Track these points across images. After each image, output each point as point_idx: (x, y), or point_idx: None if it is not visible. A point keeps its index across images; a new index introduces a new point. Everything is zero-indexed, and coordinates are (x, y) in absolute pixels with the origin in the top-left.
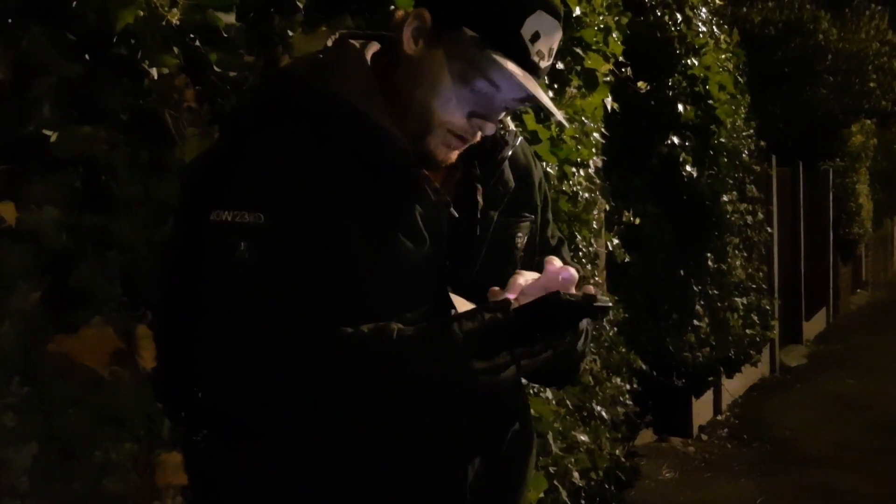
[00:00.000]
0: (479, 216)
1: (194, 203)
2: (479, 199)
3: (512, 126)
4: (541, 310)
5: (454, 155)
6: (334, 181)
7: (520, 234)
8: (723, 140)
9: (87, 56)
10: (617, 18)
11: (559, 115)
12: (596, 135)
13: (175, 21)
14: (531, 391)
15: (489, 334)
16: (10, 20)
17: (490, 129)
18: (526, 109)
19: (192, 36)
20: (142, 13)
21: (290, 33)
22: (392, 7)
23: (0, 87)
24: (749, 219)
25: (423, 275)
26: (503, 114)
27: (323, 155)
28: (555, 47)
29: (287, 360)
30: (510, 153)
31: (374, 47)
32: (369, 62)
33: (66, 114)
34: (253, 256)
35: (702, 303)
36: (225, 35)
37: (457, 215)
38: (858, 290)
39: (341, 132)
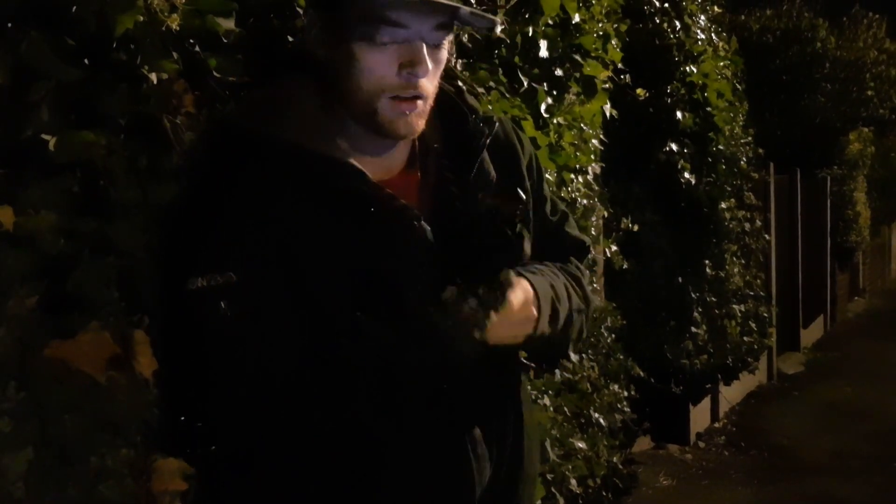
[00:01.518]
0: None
1: (170, 268)
2: (458, 204)
3: (475, 103)
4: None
5: (419, 122)
6: (300, 221)
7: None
8: (721, 147)
9: (86, 61)
10: (616, 26)
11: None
12: (594, 141)
13: (174, 26)
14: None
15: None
16: (9, 24)
17: (423, 69)
18: (457, 29)
19: (191, 41)
20: (141, 18)
21: (290, 38)
22: None
23: None
24: (747, 226)
25: (407, 291)
26: (429, 47)
27: (282, 199)
28: None
29: (284, 387)
30: (488, 142)
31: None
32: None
33: (64, 118)
34: (235, 311)
35: (700, 310)
36: (224, 40)
37: (428, 228)
38: (856, 298)
39: (294, 172)
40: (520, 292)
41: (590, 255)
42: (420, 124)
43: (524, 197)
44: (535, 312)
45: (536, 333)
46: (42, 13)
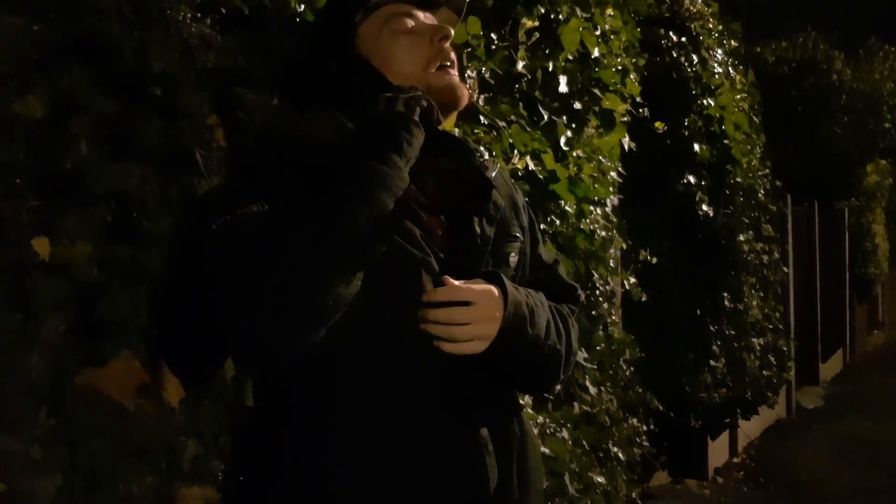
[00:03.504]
0: (477, 230)
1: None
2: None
3: (486, 155)
4: None
5: (460, 84)
6: None
7: (512, 254)
8: (738, 179)
9: (123, 95)
10: (634, 60)
11: None
12: (613, 173)
13: (209, 63)
14: (547, 431)
15: None
16: (50, 59)
17: (450, 31)
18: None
19: (224, 77)
20: (177, 55)
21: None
22: None
23: (39, 124)
24: (765, 258)
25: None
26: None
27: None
28: None
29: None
30: (494, 174)
31: None
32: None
33: (101, 150)
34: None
35: (718, 342)
36: (256, 77)
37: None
38: (875, 331)
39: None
40: (484, 288)
41: (608, 287)
42: (465, 92)
43: (522, 228)
44: (499, 311)
45: (501, 339)
46: (83, 48)
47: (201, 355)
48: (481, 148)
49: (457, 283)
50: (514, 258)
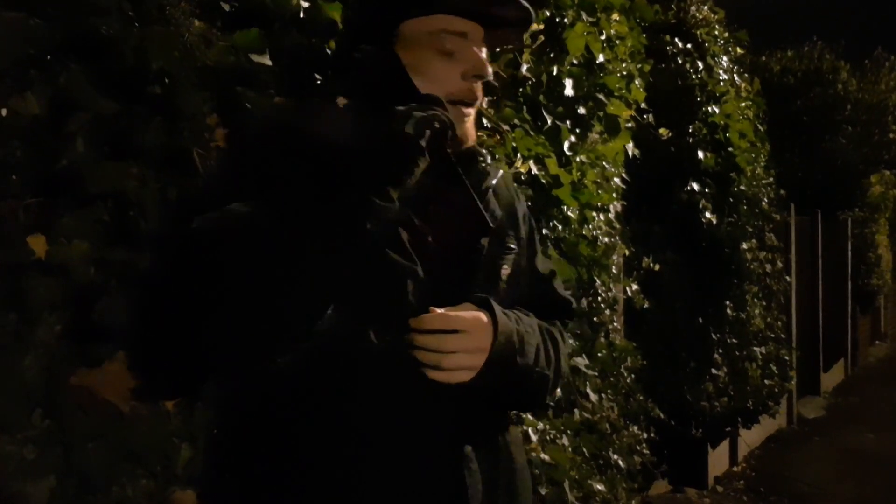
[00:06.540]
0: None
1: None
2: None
3: (489, 159)
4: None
5: (470, 126)
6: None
7: (505, 266)
8: (742, 188)
9: (122, 93)
10: (639, 66)
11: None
12: (616, 180)
13: (209, 62)
14: (548, 438)
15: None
16: (49, 57)
17: (488, 71)
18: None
19: (225, 76)
20: (177, 53)
21: (318, 77)
22: None
23: (36, 123)
24: (768, 267)
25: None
26: (487, 53)
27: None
28: None
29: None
30: (494, 182)
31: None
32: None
33: (99, 150)
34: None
35: (720, 351)
36: (257, 76)
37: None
38: (877, 342)
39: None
40: (474, 318)
41: (610, 294)
42: (473, 134)
43: (519, 239)
44: (488, 340)
45: (488, 369)
46: (81, 46)
47: (183, 369)
48: (485, 151)
49: (446, 310)
50: (506, 270)
